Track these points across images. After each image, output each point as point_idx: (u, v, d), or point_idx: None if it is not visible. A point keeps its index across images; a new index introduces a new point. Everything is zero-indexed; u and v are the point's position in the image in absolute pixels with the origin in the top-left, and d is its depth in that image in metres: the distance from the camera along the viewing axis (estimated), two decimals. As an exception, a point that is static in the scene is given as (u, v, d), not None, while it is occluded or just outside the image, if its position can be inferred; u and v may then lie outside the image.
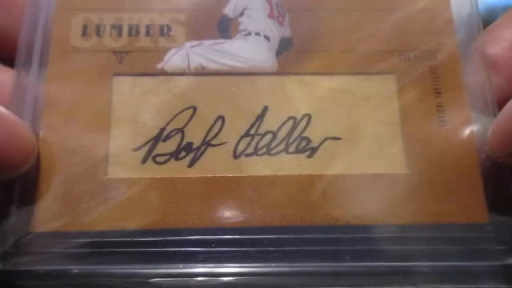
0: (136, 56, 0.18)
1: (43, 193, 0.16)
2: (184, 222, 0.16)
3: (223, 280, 0.16)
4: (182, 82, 0.18)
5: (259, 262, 0.16)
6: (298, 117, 0.17)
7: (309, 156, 0.17)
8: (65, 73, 0.17)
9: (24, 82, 0.17)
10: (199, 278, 0.16)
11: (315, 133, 0.17)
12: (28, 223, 0.16)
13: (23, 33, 0.18)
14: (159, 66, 0.18)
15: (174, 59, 0.18)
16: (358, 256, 0.16)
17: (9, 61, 0.18)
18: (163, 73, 0.18)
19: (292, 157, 0.17)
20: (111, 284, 0.15)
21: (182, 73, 0.18)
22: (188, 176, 0.17)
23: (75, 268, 0.16)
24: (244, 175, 0.17)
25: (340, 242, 0.16)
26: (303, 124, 0.17)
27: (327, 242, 0.16)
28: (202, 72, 0.18)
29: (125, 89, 0.17)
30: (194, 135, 0.17)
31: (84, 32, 0.18)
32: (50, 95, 0.17)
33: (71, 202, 0.16)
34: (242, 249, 0.16)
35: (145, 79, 0.18)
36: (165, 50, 0.18)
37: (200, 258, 0.16)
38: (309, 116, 0.17)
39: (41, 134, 0.17)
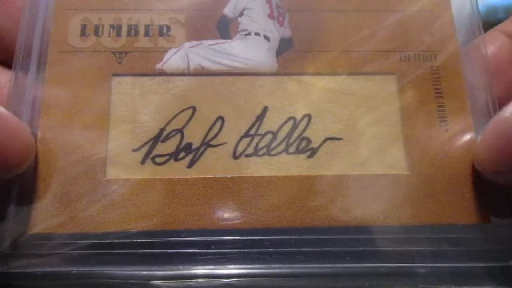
0: (135, 56, 0.18)
1: (41, 194, 0.16)
2: (183, 224, 0.16)
3: (223, 281, 0.15)
4: (182, 82, 0.18)
5: (259, 263, 0.16)
6: (298, 117, 0.17)
7: (309, 156, 0.17)
8: (64, 74, 0.17)
9: (22, 83, 0.17)
10: (199, 280, 0.15)
11: (315, 134, 0.17)
12: (26, 224, 0.16)
13: (21, 33, 0.17)
14: (158, 66, 0.18)
15: (173, 59, 0.18)
16: (359, 257, 0.16)
17: (8, 63, 0.18)
18: (163, 73, 0.18)
19: (292, 158, 0.17)
20: (110, 286, 0.15)
21: (181, 74, 0.18)
22: (188, 177, 0.16)
23: (73, 270, 0.15)
24: (244, 175, 0.17)
25: (341, 243, 0.16)
26: (303, 124, 0.17)
27: (328, 243, 0.16)
28: (202, 73, 0.18)
29: (124, 90, 0.17)
30: (194, 136, 0.17)
31: (83, 32, 0.18)
32: (49, 96, 0.17)
33: (70, 203, 0.16)
34: (242, 250, 0.16)
35: (145, 79, 0.18)
36: (165, 50, 0.18)
37: (199, 260, 0.16)
38: (309, 116, 0.17)
39: (39, 134, 0.17)
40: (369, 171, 0.17)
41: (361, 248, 0.16)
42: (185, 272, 0.15)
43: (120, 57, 0.18)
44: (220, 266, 0.15)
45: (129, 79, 0.17)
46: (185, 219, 0.16)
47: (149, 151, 0.17)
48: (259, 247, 0.16)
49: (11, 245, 0.16)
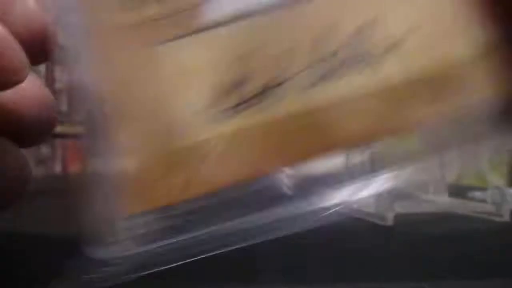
0: (174, 18, 0.17)
1: (121, 177, 0.16)
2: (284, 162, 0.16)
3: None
4: (229, 32, 0.17)
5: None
6: (362, 28, 0.16)
7: (375, 69, 0.16)
8: (108, 54, 0.17)
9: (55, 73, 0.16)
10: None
11: (379, 43, 0.16)
12: (116, 210, 0.16)
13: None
14: (198, 22, 0.17)
15: (210, 11, 0.17)
16: None
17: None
18: (206, 27, 0.17)
19: (361, 75, 0.16)
20: (238, 239, 0.16)
21: (225, 23, 0.17)
22: (269, 120, 0.16)
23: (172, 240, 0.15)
24: (319, 106, 0.16)
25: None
26: (366, 35, 0.16)
27: None
28: (242, 16, 0.17)
29: (174, 55, 0.17)
30: (263, 77, 0.16)
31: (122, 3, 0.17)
32: (97, 81, 0.16)
33: (151, 180, 0.16)
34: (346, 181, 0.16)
35: (190, 40, 0.17)
36: (199, 3, 0.17)
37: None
38: (371, 24, 0.16)
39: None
40: (439, 63, 0.16)
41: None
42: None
43: (158, 23, 0.17)
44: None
45: (176, 43, 0.17)
46: (284, 160, 0.16)
47: (221, 104, 0.16)
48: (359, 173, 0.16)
49: (112, 232, 0.16)
